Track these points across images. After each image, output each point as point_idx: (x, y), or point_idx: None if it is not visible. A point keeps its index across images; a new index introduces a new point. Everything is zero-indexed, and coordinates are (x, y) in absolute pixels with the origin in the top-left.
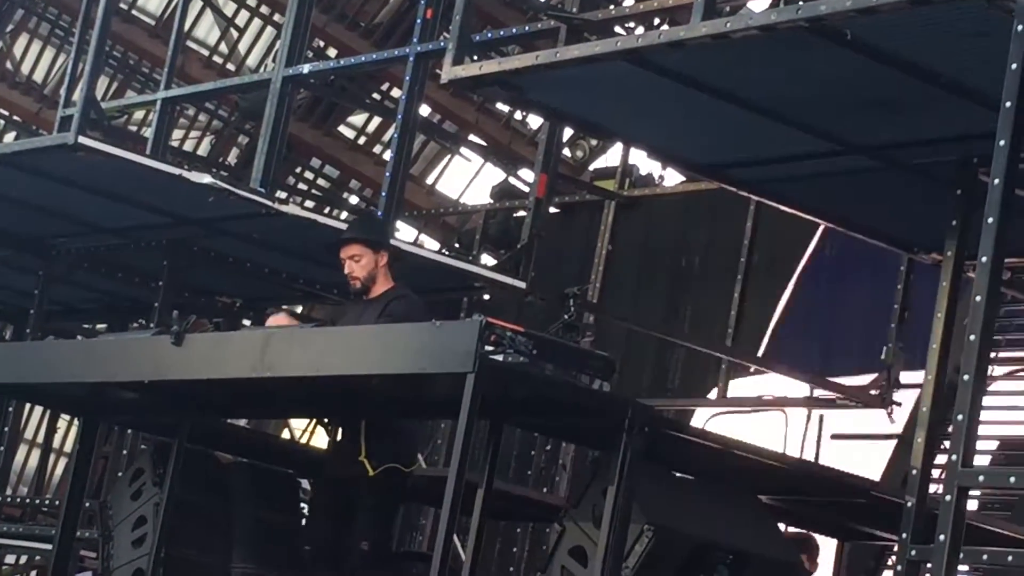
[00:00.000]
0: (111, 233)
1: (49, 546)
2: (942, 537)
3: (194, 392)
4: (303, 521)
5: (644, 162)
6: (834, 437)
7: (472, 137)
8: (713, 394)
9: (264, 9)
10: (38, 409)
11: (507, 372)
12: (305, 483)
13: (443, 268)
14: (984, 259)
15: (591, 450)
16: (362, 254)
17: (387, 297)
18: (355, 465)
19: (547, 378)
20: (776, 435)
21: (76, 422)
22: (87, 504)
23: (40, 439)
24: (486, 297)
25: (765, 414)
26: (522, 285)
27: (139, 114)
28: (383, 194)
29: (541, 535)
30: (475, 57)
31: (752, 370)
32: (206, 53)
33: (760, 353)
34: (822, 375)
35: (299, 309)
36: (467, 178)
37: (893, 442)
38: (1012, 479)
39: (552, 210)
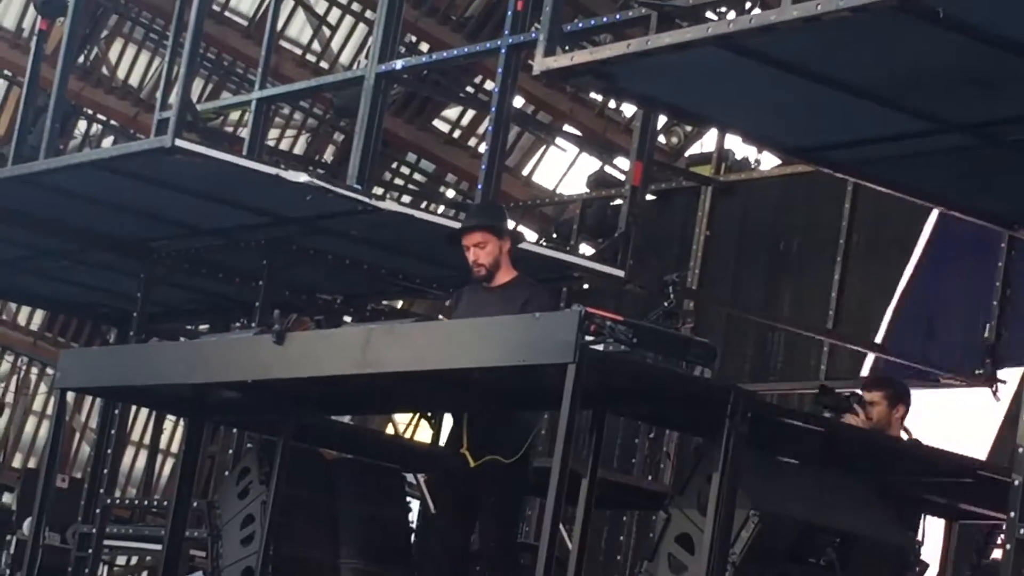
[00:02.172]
0: (210, 234)
1: (159, 547)
2: None
3: (297, 390)
4: (411, 515)
5: (740, 146)
6: None
7: (567, 127)
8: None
9: (356, 6)
10: (144, 411)
11: (608, 361)
12: (410, 477)
13: (542, 259)
14: None
15: (695, 437)
16: (486, 241)
17: (518, 290)
18: (489, 462)
19: (648, 366)
20: None
21: (182, 423)
22: (195, 504)
23: (147, 441)
24: (585, 287)
25: None
26: (621, 273)
27: (235, 115)
28: (479, 187)
29: (647, 523)
30: (567, 47)
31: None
32: (299, 52)
33: (879, 339)
34: (926, 359)
35: (399, 304)
36: (563, 168)
37: (999, 420)
38: None
39: (648, 197)
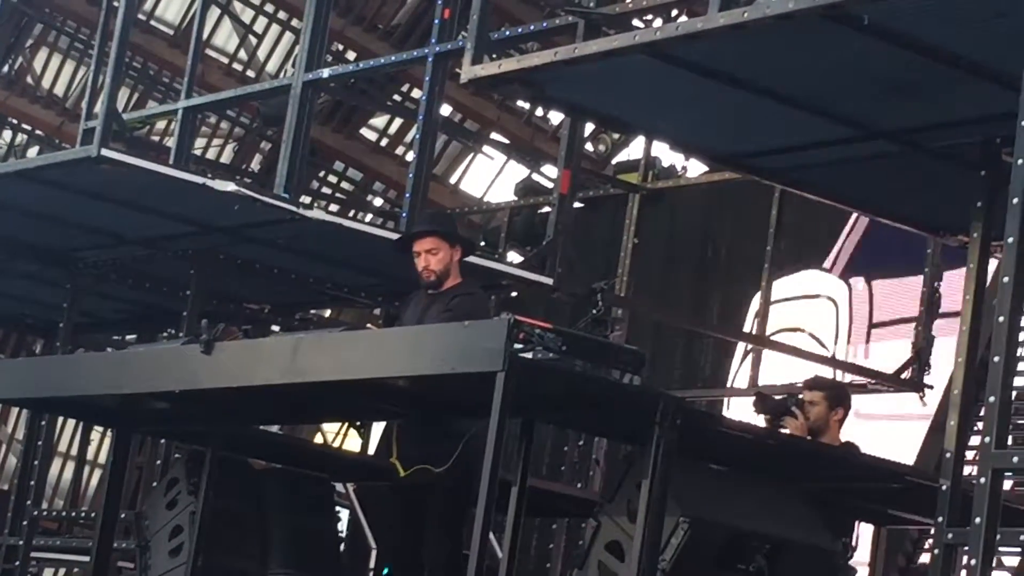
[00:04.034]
0: (137, 244)
1: (87, 558)
2: (978, 520)
3: (225, 400)
4: (340, 525)
5: (667, 154)
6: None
7: (494, 135)
8: (744, 380)
9: (282, 15)
10: (71, 422)
11: (537, 369)
12: (340, 487)
13: (470, 267)
14: (1011, 240)
15: (624, 444)
16: (439, 247)
17: (453, 292)
18: (419, 471)
19: (577, 374)
20: None
21: (109, 434)
22: (123, 515)
23: (74, 452)
24: (513, 295)
25: None
26: (549, 281)
27: (161, 124)
28: (407, 195)
29: (577, 531)
30: (494, 55)
31: None
32: (225, 60)
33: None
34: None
35: (327, 313)
36: (490, 176)
37: (926, 425)
38: None
39: (576, 205)
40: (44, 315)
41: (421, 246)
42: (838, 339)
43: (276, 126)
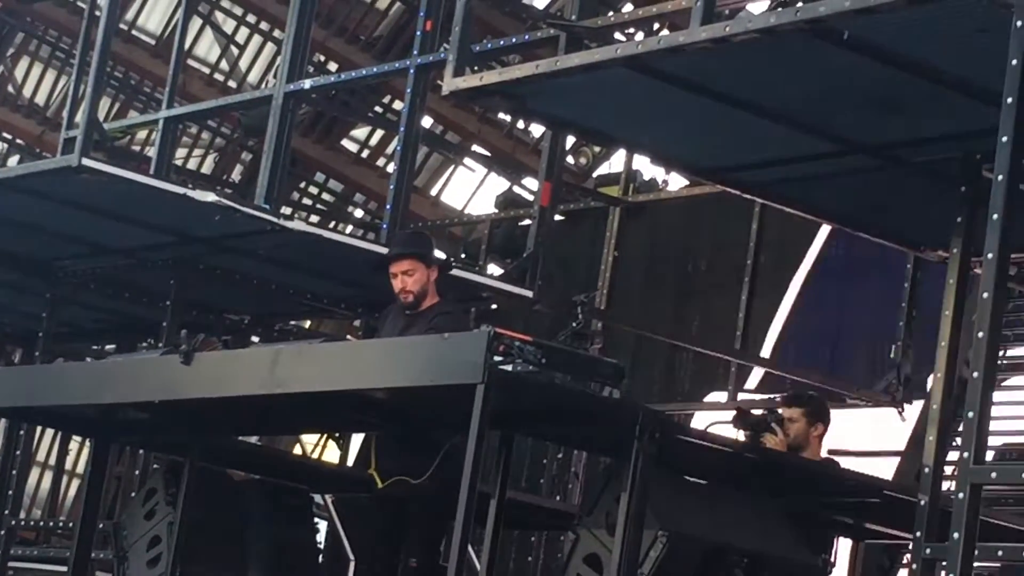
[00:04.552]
0: (118, 253)
1: (64, 568)
2: (956, 535)
3: (205, 410)
4: (319, 536)
5: (648, 167)
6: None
7: (475, 147)
8: (724, 396)
9: (264, 25)
10: (49, 431)
11: (517, 382)
12: (318, 498)
13: (450, 279)
14: (990, 255)
15: (603, 457)
16: (415, 268)
17: (433, 312)
18: (397, 482)
19: (557, 387)
20: None
21: (88, 443)
22: (101, 525)
23: (52, 461)
24: (493, 307)
25: None
26: (529, 294)
27: (142, 134)
28: (388, 207)
29: (556, 543)
30: (476, 68)
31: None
32: (207, 71)
33: (766, 354)
34: (831, 375)
35: (307, 324)
36: (471, 188)
37: (904, 441)
38: None
39: (557, 218)
40: (23, 324)
41: (398, 268)
42: None
43: (257, 137)
